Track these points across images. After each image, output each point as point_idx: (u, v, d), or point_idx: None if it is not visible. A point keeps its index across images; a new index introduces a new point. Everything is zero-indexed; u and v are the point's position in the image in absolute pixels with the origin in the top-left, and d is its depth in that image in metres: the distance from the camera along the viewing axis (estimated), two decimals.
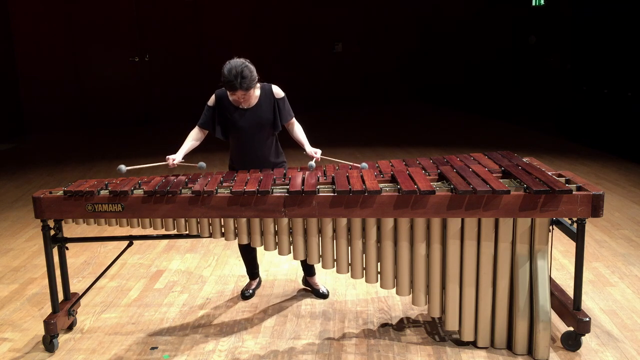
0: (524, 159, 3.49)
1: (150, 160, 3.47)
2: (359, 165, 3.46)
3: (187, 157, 3.59)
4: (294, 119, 3.66)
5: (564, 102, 9.19)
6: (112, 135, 10.44)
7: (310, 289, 3.92)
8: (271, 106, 3.54)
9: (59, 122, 10.88)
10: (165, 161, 3.51)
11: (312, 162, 3.44)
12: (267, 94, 3.55)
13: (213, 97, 3.59)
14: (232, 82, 3.31)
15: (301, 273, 4.13)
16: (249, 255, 3.89)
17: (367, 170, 3.38)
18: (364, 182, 3.14)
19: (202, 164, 3.43)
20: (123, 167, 3.38)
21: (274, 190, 3.12)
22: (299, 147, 3.69)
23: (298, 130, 3.67)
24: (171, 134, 10.21)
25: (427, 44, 12.19)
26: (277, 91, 3.58)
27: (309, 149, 3.60)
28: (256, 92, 3.52)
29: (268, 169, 3.53)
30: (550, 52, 9.62)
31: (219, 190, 3.17)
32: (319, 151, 3.56)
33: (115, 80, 11.18)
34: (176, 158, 3.49)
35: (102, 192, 3.22)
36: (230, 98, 3.50)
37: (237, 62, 3.35)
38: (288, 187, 3.12)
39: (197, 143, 3.66)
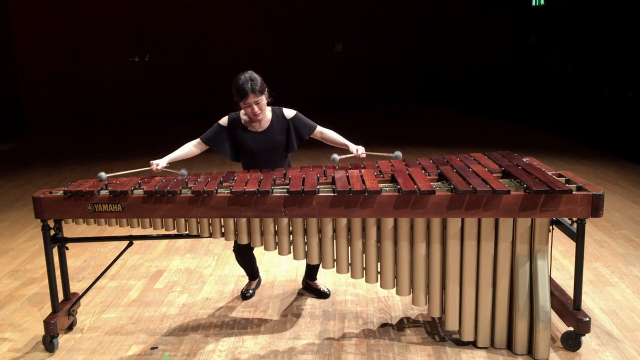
0: (524, 159, 3.49)
1: (150, 159, 3.46)
2: (392, 155, 3.45)
3: (171, 165, 3.50)
4: (318, 128, 3.63)
5: (564, 102, 9.19)
6: (112, 135, 10.44)
7: (311, 291, 3.92)
8: (284, 129, 3.55)
9: (59, 122, 10.88)
10: (149, 166, 3.45)
11: (335, 155, 3.43)
12: (278, 117, 3.56)
13: (226, 118, 3.57)
14: (243, 85, 3.34)
15: (301, 273, 4.14)
16: (245, 258, 3.86)
17: (367, 170, 3.38)
18: (364, 182, 3.14)
19: (184, 171, 3.37)
20: (103, 175, 3.32)
21: (274, 190, 3.12)
22: (309, 157, 3.67)
23: (330, 134, 3.64)
24: (171, 134, 10.24)
25: (426, 44, 12.19)
26: (288, 113, 3.58)
27: (352, 147, 3.56)
28: (268, 114, 3.53)
29: (268, 169, 3.53)
30: (551, 52, 9.62)
31: (219, 190, 3.17)
32: (361, 148, 3.54)
33: (115, 80, 11.18)
34: (160, 164, 3.44)
35: (102, 192, 3.22)
36: (244, 121, 3.51)
37: (245, 72, 3.44)
38: (288, 187, 3.12)
39: (190, 156, 3.59)
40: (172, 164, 3.51)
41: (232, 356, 3.22)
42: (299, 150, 3.71)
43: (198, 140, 3.59)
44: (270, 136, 3.54)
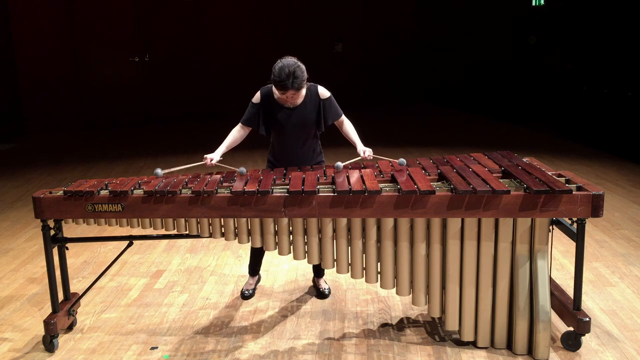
0: (524, 159, 3.49)
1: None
2: (397, 162, 3.44)
3: (225, 156, 3.55)
4: (342, 117, 3.63)
5: (564, 102, 9.20)
6: (112, 135, 10.44)
7: (313, 288, 3.93)
8: (316, 107, 3.52)
9: (59, 122, 10.88)
10: (202, 160, 3.49)
11: (339, 163, 3.41)
12: (312, 94, 3.52)
13: (258, 94, 3.55)
14: (284, 81, 3.29)
15: (301, 273, 4.14)
16: (257, 252, 3.86)
17: (367, 170, 3.38)
18: (364, 182, 3.14)
19: (243, 169, 3.38)
20: (159, 171, 3.34)
21: (274, 190, 3.12)
22: (338, 146, 3.63)
23: (348, 128, 3.64)
24: (171, 134, 10.25)
25: (426, 44, 12.19)
26: (323, 92, 3.55)
27: (359, 147, 3.55)
28: (302, 91, 3.47)
29: (268, 169, 3.53)
30: (550, 52, 9.62)
31: (219, 190, 3.17)
32: (368, 150, 3.52)
33: (115, 80, 11.18)
34: (214, 157, 3.48)
35: (102, 192, 3.22)
36: (277, 97, 3.46)
37: (289, 61, 3.34)
38: (288, 187, 3.12)
39: (239, 141, 3.62)
40: (225, 156, 3.52)
41: (232, 356, 3.22)
42: (337, 148, 3.66)
43: (240, 124, 3.60)
44: (301, 113, 3.50)
